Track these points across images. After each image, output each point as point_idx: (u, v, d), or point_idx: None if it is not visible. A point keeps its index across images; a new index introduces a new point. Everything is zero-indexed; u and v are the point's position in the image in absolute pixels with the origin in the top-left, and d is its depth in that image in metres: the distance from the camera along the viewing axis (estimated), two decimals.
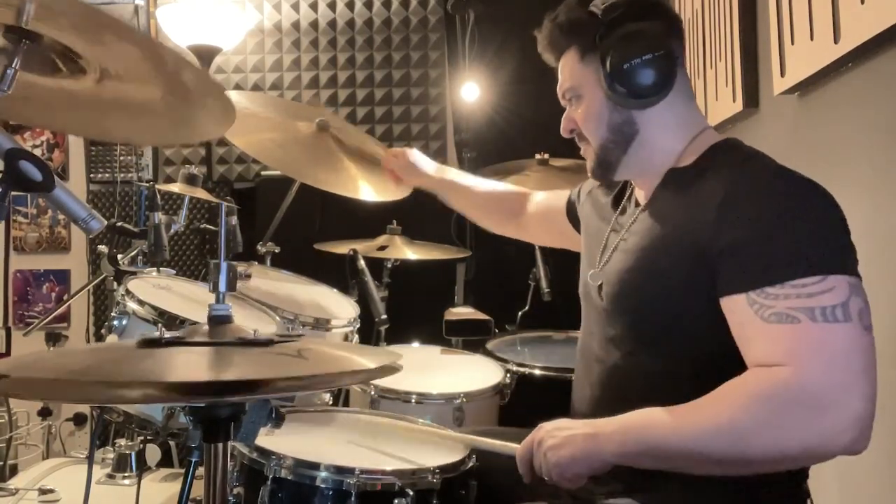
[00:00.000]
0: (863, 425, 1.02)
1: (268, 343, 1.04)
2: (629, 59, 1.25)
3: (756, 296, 1.10)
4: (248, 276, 1.95)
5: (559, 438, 1.21)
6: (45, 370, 1.00)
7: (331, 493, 1.28)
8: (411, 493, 1.27)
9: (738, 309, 1.13)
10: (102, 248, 2.20)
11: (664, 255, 1.24)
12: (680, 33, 1.35)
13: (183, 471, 1.53)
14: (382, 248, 2.54)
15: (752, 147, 1.30)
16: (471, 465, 1.39)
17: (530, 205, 1.89)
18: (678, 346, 1.23)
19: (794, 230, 1.11)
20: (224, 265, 1.09)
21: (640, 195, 1.39)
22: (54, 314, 3.01)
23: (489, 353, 2.20)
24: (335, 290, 2.33)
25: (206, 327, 1.07)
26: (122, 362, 1.00)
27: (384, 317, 2.29)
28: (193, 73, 1.23)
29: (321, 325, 2.05)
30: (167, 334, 1.04)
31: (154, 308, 1.63)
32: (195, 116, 1.35)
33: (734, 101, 2.24)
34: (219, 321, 1.09)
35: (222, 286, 1.09)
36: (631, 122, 1.32)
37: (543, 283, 2.49)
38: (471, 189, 1.98)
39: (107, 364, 1.01)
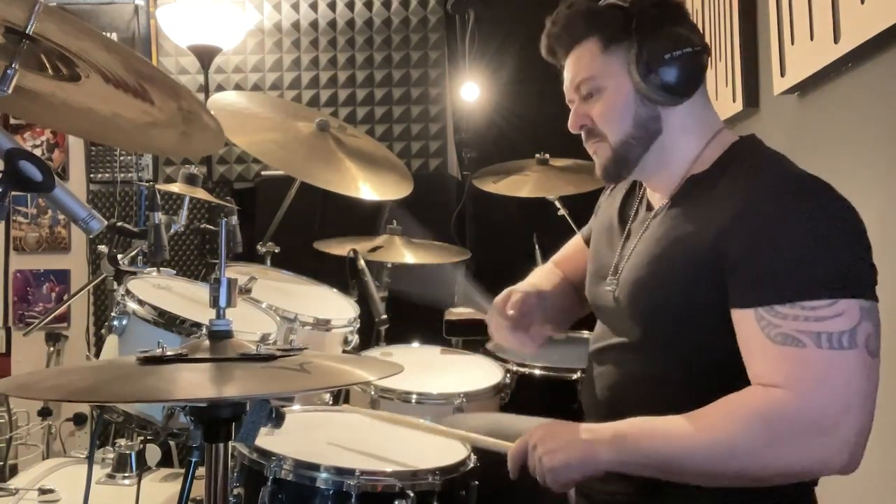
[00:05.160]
0: (855, 450, 1.05)
1: (269, 358, 1.04)
2: (671, 50, 1.22)
3: (765, 312, 1.10)
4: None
5: (556, 443, 1.21)
6: (45, 391, 1.00)
7: (331, 493, 1.27)
8: (412, 494, 1.27)
9: (745, 323, 1.12)
10: (102, 248, 2.20)
11: (677, 263, 1.22)
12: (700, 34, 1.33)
13: (183, 471, 1.53)
14: (375, 248, 2.52)
15: (772, 149, 1.28)
16: (471, 466, 1.39)
17: (570, 274, 1.66)
18: (688, 354, 1.22)
19: (810, 249, 1.10)
20: (224, 280, 1.08)
21: (655, 198, 1.36)
22: (54, 314, 3.00)
23: (489, 353, 2.20)
24: (335, 290, 2.33)
25: (207, 342, 1.08)
26: (124, 381, 1.00)
27: (384, 317, 2.29)
28: (186, 95, 1.25)
29: (321, 325, 2.05)
30: (168, 351, 1.04)
31: (154, 308, 1.62)
32: (189, 133, 1.37)
33: (734, 101, 2.24)
34: (220, 336, 1.09)
35: (222, 301, 1.09)
36: (657, 118, 1.28)
37: None
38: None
39: (108, 383, 1.01)
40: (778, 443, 1.06)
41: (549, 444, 1.21)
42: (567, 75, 1.35)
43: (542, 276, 1.66)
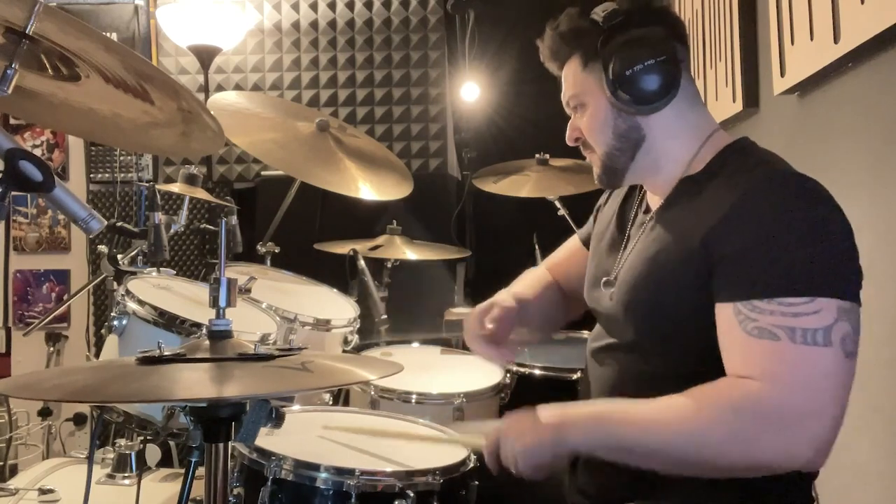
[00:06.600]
0: (822, 447, 1.06)
1: (269, 358, 1.04)
2: (632, 65, 1.24)
3: (742, 307, 1.11)
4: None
5: (525, 426, 1.22)
6: (45, 391, 1.00)
7: (331, 493, 1.27)
8: (412, 494, 1.27)
9: (724, 317, 1.14)
10: (102, 248, 2.20)
11: (673, 263, 1.23)
12: (683, 37, 1.34)
13: (183, 471, 1.53)
14: (375, 247, 2.53)
15: (765, 149, 1.29)
16: (471, 465, 1.39)
17: (561, 279, 1.68)
18: (683, 353, 1.23)
19: (792, 247, 1.10)
20: (224, 280, 1.09)
21: (654, 201, 1.38)
22: (54, 314, 3.01)
23: None
24: (335, 290, 2.33)
25: (206, 342, 1.08)
26: (124, 381, 1.00)
27: (384, 317, 2.29)
28: (186, 95, 1.25)
29: (321, 325, 2.05)
30: (167, 351, 1.04)
31: (154, 308, 1.62)
32: (188, 133, 1.37)
33: (734, 101, 2.24)
34: (219, 336, 1.09)
35: (222, 301, 1.09)
36: (637, 128, 1.30)
37: None
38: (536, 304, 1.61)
39: (108, 383, 1.01)
40: (745, 434, 1.07)
41: (519, 428, 1.22)
42: (563, 90, 1.40)
43: (529, 282, 1.66)
